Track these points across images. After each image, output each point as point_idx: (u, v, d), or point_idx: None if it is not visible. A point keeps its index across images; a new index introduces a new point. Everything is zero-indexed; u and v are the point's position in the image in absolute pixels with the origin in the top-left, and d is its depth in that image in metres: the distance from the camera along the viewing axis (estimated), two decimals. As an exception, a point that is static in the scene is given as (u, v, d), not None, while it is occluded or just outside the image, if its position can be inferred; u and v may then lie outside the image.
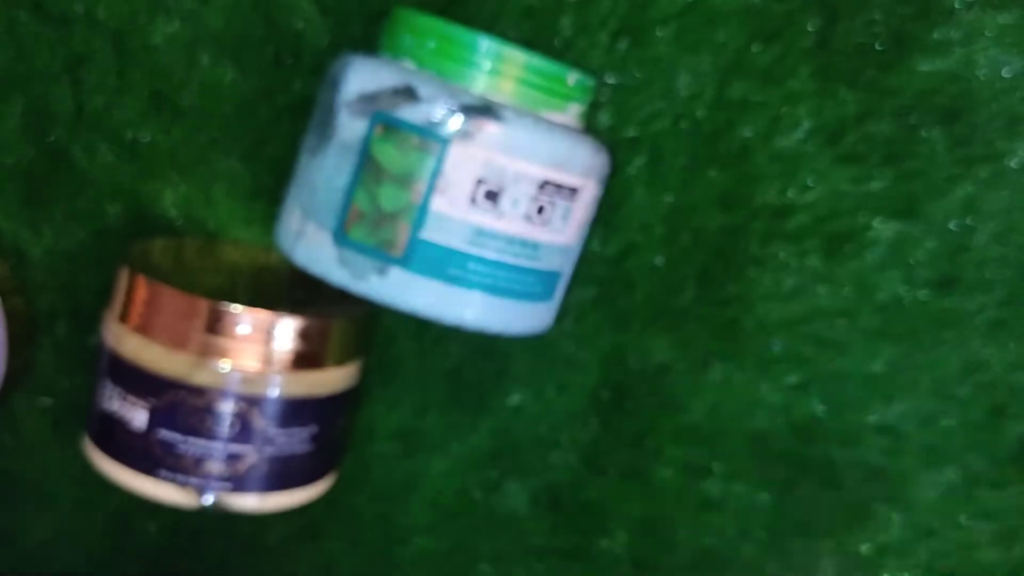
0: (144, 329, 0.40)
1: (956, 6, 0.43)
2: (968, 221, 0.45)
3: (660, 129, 0.45)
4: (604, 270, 0.47)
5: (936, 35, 0.44)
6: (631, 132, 0.45)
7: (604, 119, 0.45)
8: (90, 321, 0.47)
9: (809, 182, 0.45)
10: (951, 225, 0.45)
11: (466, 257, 0.37)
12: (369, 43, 0.44)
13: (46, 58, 0.44)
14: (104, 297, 0.46)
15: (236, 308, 0.39)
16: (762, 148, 0.45)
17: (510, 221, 0.38)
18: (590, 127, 0.45)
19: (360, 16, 0.44)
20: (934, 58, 0.44)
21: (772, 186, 0.45)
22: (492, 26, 0.44)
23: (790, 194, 0.45)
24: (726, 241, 0.46)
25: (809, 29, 0.44)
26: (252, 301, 0.40)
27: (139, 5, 0.44)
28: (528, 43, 0.44)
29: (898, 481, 0.48)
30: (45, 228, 0.46)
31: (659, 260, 0.47)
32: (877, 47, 0.44)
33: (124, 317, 0.41)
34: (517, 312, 0.40)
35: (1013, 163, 0.44)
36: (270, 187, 0.46)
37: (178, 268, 0.43)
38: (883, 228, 0.46)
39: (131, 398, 0.40)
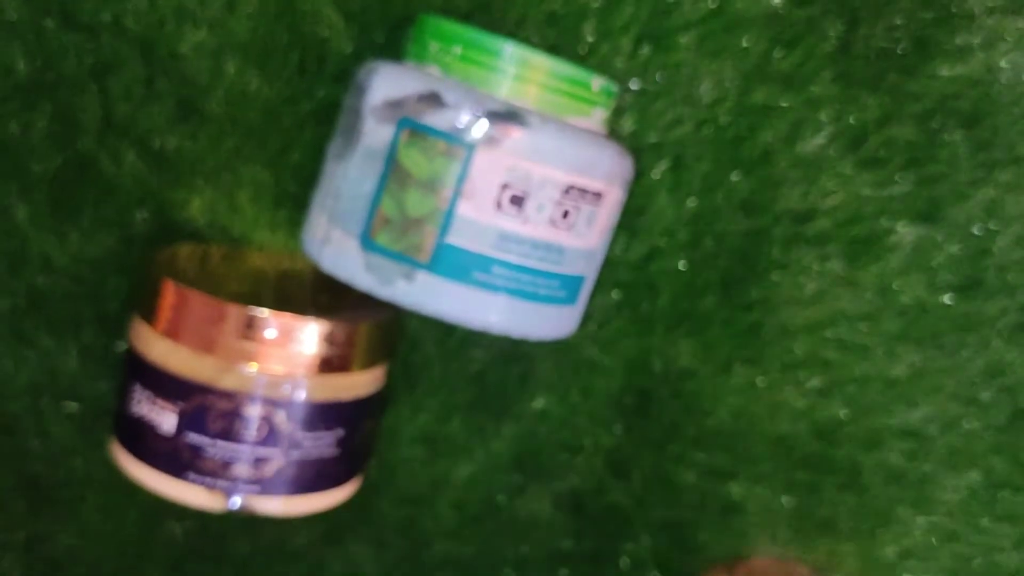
0: (172, 333, 0.40)
1: (977, 11, 0.44)
2: (990, 225, 0.45)
3: (683, 134, 0.45)
4: (628, 274, 0.47)
5: (957, 40, 0.44)
6: (654, 137, 0.45)
7: (627, 124, 0.45)
8: (116, 326, 0.48)
9: (831, 187, 0.45)
10: (973, 229, 0.45)
11: (491, 261, 0.38)
12: (393, 50, 0.44)
13: (73, 66, 0.45)
14: (130, 303, 0.47)
15: (263, 312, 0.40)
16: (784, 153, 0.45)
17: (535, 225, 0.38)
18: (613, 132, 0.45)
19: (384, 23, 0.45)
20: (955, 63, 0.44)
21: (794, 191, 0.46)
22: (516, 32, 0.44)
23: (812, 199, 0.46)
24: (749, 246, 0.46)
25: (831, 34, 0.44)
26: (277, 306, 0.40)
27: (166, 14, 0.44)
28: (551, 49, 0.44)
29: (921, 484, 0.48)
30: (72, 234, 0.47)
31: (682, 264, 0.47)
32: (898, 52, 0.44)
33: (152, 322, 0.41)
34: (542, 316, 0.40)
35: (1035, 167, 0.45)
36: (295, 193, 0.46)
37: (204, 274, 0.43)
38: (905, 232, 0.46)
39: (160, 402, 0.40)
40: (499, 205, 0.37)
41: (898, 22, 0.44)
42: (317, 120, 0.46)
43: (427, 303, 0.38)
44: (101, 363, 0.48)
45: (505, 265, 0.38)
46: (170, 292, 0.40)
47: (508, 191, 0.37)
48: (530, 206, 0.37)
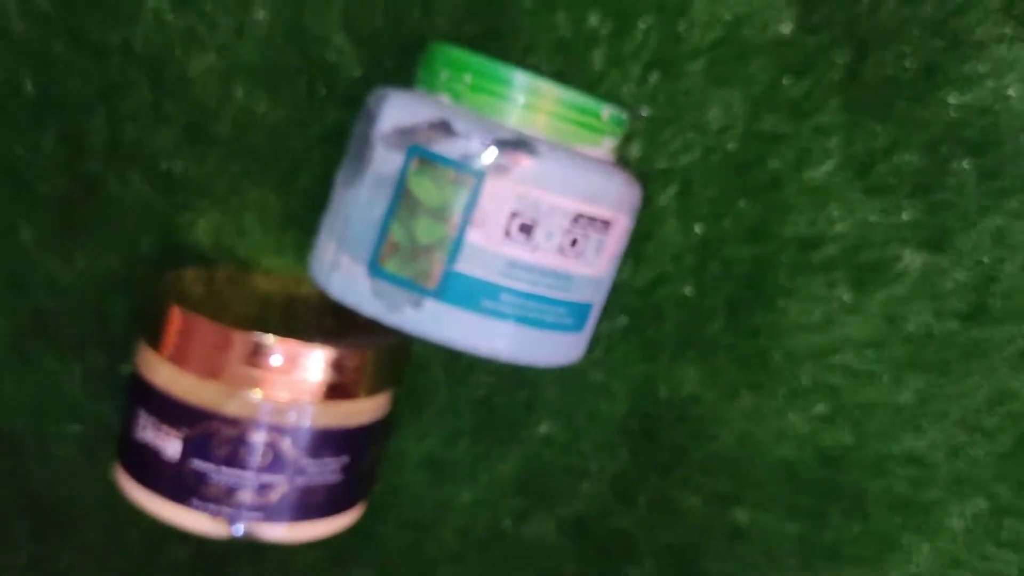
0: (178, 359, 0.40)
1: (986, 39, 0.43)
2: (997, 253, 0.45)
3: (691, 161, 0.45)
4: (634, 300, 0.47)
5: (966, 68, 0.44)
6: (662, 164, 0.45)
7: (635, 150, 0.45)
8: (121, 348, 0.48)
9: (838, 213, 0.45)
10: (981, 257, 0.45)
11: (500, 289, 0.38)
12: (402, 75, 0.44)
13: (81, 87, 0.45)
14: (135, 326, 0.47)
15: (270, 339, 0.39)
16: (792, 180, 0.45)
17: (544, 253, 0.38)
18: (622, 159, 0.45)
19: (393, 48, 0.44)
20: (964, 91, 0.44)
21: (802, 217, 0.46)
22: (524, 58, 0.44)
23: (820, 225, 0.46)
24: (756, 272, 0.46)
25: (839, 62, 0.44)
26: (283, 330, 0.40)
27: (175, 36, 0.44)
28: (561, 75, 0.44)
29: (926, 511, 0.48)
30: (77, 256, 0.46)
31: (689, 290, 0.47)
32: (907, 80, 0.44)
33: (158, 347, 0.41)
34: (549, 343, 0.40)
35: (1042, 195, 0.45)
36: (302, 217, 0.46)
37: (209, 297, 0.43)
38: (912, 259, 0.46)
39: (164, 428, 0.40)
40: (508, 233, 0.37)
41: (907, 50, 0.44)
42: (325, 144, 0.45)
43: (435, 331, 0.38)
44: (105, 385, 0.48)
45: (513, 293, 0.38)
46: (176, 318, 0.40)
47: (517, 219, 0.37)
48: (539, 234, 0.37)
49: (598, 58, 0.44)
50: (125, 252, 0.47)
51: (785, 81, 0.44)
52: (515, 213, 0.37)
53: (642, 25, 0.44)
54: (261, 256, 0.47)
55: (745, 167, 0.45)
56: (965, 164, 0.45)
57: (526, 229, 0.37)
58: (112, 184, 0.46)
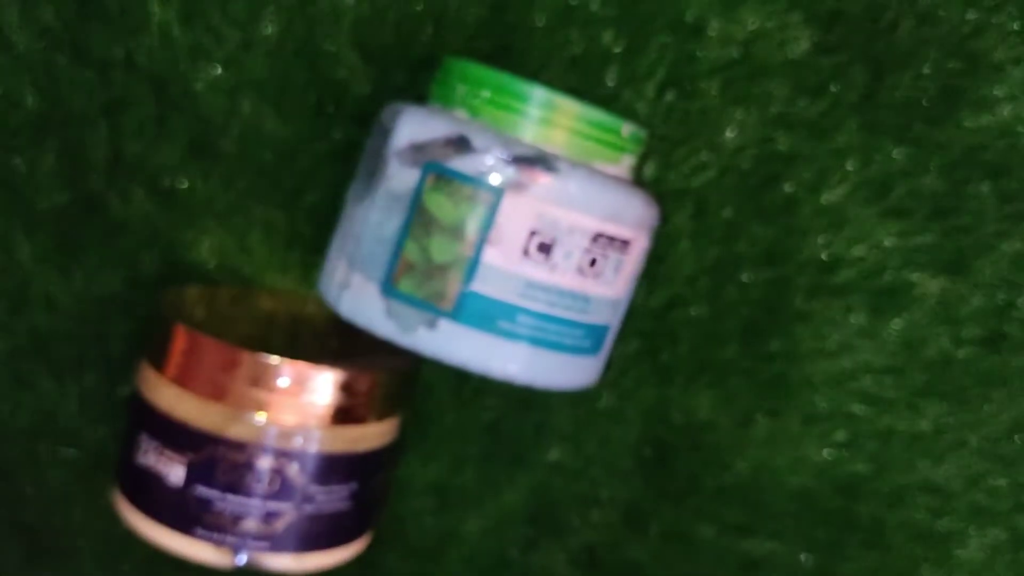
0: (182, 380, 0.39)
1: (1003, 61, 0.43)
2: (1016, 277, 0.45)
3: (706, 181, 0.45)
4: (648, 323, 0.46)
5: (984, 90, 0.43)
6: (676, 184, 0.45)
7: (649, 170, 0.44)
8: (120, 370, 0.46)
9: (855, 237, 0.45)
10: (999, 281, 0.45)
11: (517, 310, 0.37)
12: (411, 92, 0.44)
13: (84, 102, 0.44)
14: (134, 346, 0.46)
15: (277, 360, 0.38)
16: (808, 202, 0.45)
17: (562, 274, 0.37)
18: (638, 178, 0.44)
19: (403, 65, 0.44)
20: (982, 113, 0.43)
21: (818, 240, 0.45)
22: (537, 75, 0.43)
23: (836, 249, 0.45)
24: (771, 295, 0.45)
25: (856, 83, 0.43)
26: (287, 351, 0.39)
27: (181, 50, 0.43)
28: (574, 93, 0.43)
29: (945, 542, 0.47)
30: (77, 274, 0.45)
31: (703, 313, 0.46)
32: (925, 102, 0.43)
33: (160, 367, 0.39)
34: (565, 366, 0.39)
35: (1061, 220, 0.44)
36: (308, 235, 0.45)
37: (212, 317, 0.42)
38: (930, 284, 0.45)
39: (167, 452, 0.39)
40: (526, 252, 0.36)
41: (925, 71, 0.43)
42: (333, 161, 0.45)
43: (449, 352, 0.37)
44: (102, 407, 0.47)
45: (530, 314, 0.37)
46: (181, 337, 0.39)
47: (536, 238, 0.36)
48: (558, 253, 0.36)
49: (611, 76, 0.44)
50: (126, 271, 0.45)
51: (801, 102, 0.44)
52: (534, 232, 0.36)
53: (657, 43, 0.43)
54: (266, 275, 0.46)
55: (760, 188, 0.45)
56: (983, 187, 0.44)
57: (545, 248, 0.36)
58: (114, 201, 0.45)
